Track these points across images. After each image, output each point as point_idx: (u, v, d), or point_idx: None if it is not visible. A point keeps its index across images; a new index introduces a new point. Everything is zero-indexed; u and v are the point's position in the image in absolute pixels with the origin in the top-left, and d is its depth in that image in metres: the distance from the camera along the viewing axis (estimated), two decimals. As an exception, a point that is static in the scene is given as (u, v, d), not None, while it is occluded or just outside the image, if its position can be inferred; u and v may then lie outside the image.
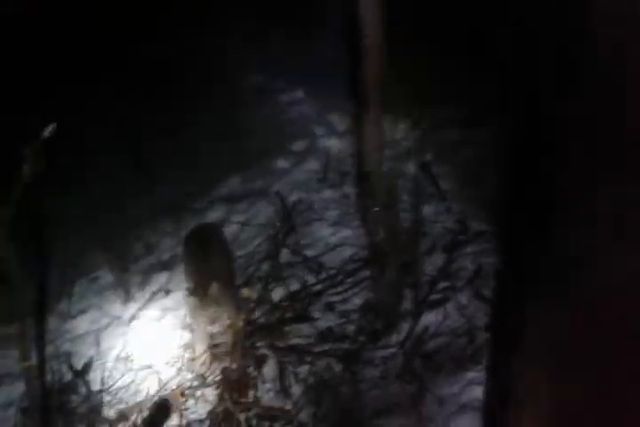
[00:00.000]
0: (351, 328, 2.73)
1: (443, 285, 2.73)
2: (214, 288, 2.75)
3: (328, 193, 3.75)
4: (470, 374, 2.32)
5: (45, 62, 4.76)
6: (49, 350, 3.22)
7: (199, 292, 2.81)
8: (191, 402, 2.66)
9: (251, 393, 2.60)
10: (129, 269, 3.60)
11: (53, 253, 3.51)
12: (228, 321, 2.82)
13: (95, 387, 2.97)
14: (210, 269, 2.86)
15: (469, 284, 2.71)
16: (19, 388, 3.01)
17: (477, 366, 2.36)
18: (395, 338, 2.59)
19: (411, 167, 3.58)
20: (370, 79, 2.50)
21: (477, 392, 2.22)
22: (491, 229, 3.00)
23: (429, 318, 2.60)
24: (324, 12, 4.82)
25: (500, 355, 2.36)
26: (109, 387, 2.94)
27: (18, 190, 2.34)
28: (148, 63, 5.05)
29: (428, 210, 3.17)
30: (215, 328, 2.91)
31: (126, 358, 3.07)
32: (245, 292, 3.03)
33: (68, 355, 3.17)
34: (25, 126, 2.33)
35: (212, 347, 2.92)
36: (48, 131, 2.26)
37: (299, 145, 4.30)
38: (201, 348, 2.90)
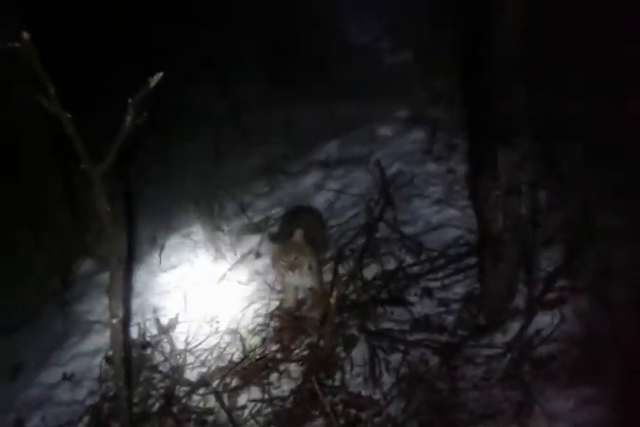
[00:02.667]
0: (450, 319, 2.52)
1: (561, 283, 2.45)
2: (298, 234, 2.60)
3: (432, 167, 3.50)
4: (587, 390, 2.07)
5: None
6: (137, 302, 3.23)
7: (282, 237, 2.71)
8: (274, 376, 2.56)
9: (338, 376, 2.46)
10: (221, 228, 3.53)
11: (149, 207, 3.49)
12: (308, 279, 2.70)
13: (179, 345, 2.93)
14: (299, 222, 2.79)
15: (592, 285, 2.41)
16: (107, 337, 3.02)
17: (595, 380, 2.10)
18: (500, 337, 2.35)
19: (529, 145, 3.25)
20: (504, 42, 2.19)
21: (594, 412, 1.98)
22: (619, 223, 2.66)
23: (543, 320, 2.35)
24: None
25: (620, 370, 2.12)
26: (193, 347, 2.89)
27: (119, 142, 2.23)
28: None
29: (547, 196, 2.85)
30: (302, 290, 2.79)
31: (212, 320, 3.01)
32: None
33: (155, 310, 3.15)
34: (129, 77, 2.22)
35: (300, 319, 2.80)
36: (153, 81, 2.11)
37: (403, 112, 4.03)
38: (290, 306, 2.79)
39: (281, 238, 2.76)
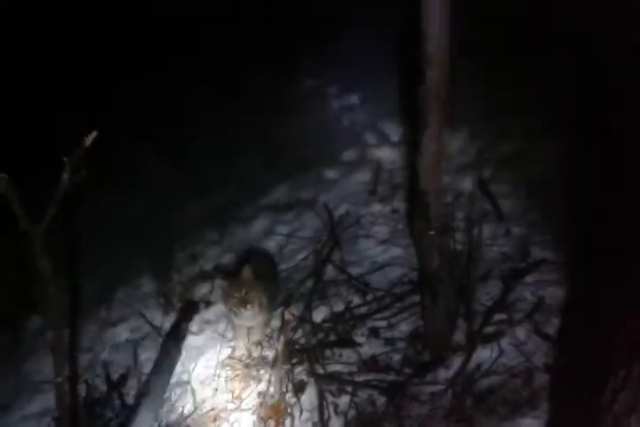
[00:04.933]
0: (397, 358, 2.55)
1: (498, 317, 2.52)
2: (247, 269, 2.63)
3: (377, 207, 3.58)
4: (527, 421, 2.11)
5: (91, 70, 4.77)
6: (86, 358, 3.18)
7: (233, 273, 2.73)
8: (225, 426, 2.54)
9: (288, 422, 2.45)
10: (172, 279, 3.53)
11: (95, 260, 3.48)
12: (260, 317, 2.74)
13: (129, 401, 2.89)
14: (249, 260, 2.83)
15: (528, 317, 2.49)
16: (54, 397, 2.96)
17: (534, 411, 2.15)
18: (444, 373, 2.40)
19: (467, 184, 3.38)
20: (431, 92, 2.31)
21: (535, 443, 2.03)
22: (554, 257, 2.77)
23: (483, 354, 2.40)
24: (384, 16, 4.64)
25: (560, 400, 2.17)
26: (144, 401, 2.85)
27: (56, 200, 2.26)
28: (190, 67, 5.00)
29: (484, 233, 2.95)
30: (254, 332, 2.80)
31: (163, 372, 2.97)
32: (287, 314, 2.90)
33: (106, 365, 3.11)
34: (65, 135, 2.26)
35: (252, 366, 2.80)
36: (89, 140, 2.16)
37: (349, 154, 4.14)
38: (242, 353, 2.81)
39: (231, 275, 2.78)
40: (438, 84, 2.29)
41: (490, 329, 2.49)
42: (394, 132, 4.18)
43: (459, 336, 2.50)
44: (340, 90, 4.76)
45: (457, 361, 2.42)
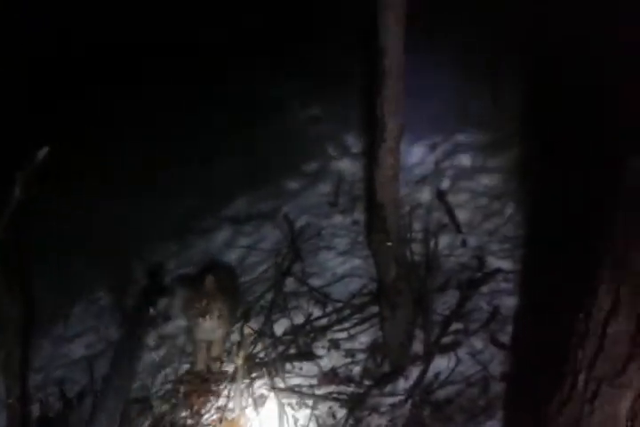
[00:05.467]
0: (357, 370, 2.56)
1: (455, 326, 2.56)
2: (209, 280, 2.63)
3: (338, 219, 3.60)
4: (483, 430, 2.14)
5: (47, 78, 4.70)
6: (39, 376, 3.10)
7: (194, 284, 2.71)
8: (183, 443, 2.50)
9: (247, 437, 2.43)
10: (129, 292, 3.47)
11: (49, 275, 3.40)
12: (220, 331, 2.72)
13: (86, 417, 2.82)
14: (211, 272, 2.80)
15: (484, 327, 2.53)
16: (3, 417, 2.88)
17: (491, 419, 2.18)
18: (402, 384, 2.41)
19: (425, 195, 3.43)
20: (388, 104, 2.34)
21: (491, 452, 2.05)
22: (509, 266, 2.83)
23: (440, 364, 2.43)
24: (341, 29, 4.70)
25: (515, 408, 2.20)
26: (100, 419, 2.78)
27: (7, 215, 2.22)
28: (162, 75, 4.97)
29: (441, 243, 3.00)
30: (214, 346, 2.77)
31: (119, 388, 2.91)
32: (246, 328, 2.89)
33: (60, 382, 3.03)
34: (18, 150, 2.22)
35: (210, 381, 2.77)
36: (41, 155, 2.14)
37: (311, 166, 4.16)
38: (201, 368, 2.77)
39: (192, 285, 2.76)
40: (394, 97, 2.33)
41: (447, 339, 2.52)
42: (354, 144, 4.21)
43: (417, 346, 2.52)
44: (303, 101, 4.79)
45: (415, 371, 2.44)
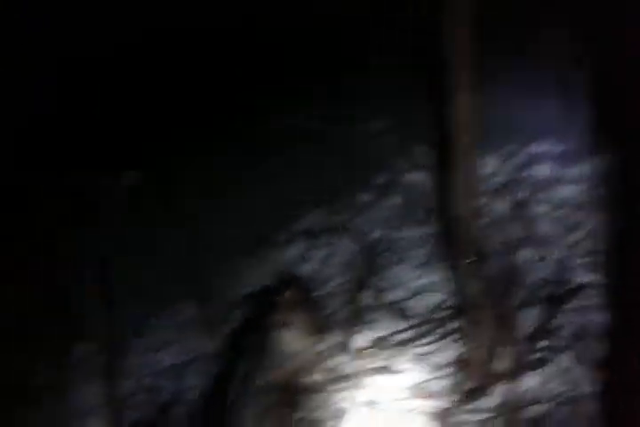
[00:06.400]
0: (441, 385, 2.54)
1: (542, 344, 2.50)
2: (289, 294, 2.77)
3: (411, 231, 3.58)
4: (576, 450, 2.09)
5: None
6: (131, 384, 3.22)
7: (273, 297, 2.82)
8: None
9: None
10: (212, 303, 3.57)
11: (137, 287, 3.54)
12: (300, 342, 2.77)
13: (176, 426, 2.92)
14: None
15: (572, 344, 2.46)
16: (103, 421, 3.01)
17: (583, 440, 2.12)
18: (488, 401, 2.37)
19: (502, 207, 3.37)
20: (463, 117, 2.33)
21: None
22: (595, 280, 2.74)
23: (528, 381, 2.37)
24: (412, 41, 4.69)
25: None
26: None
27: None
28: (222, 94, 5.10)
29: (522, 257, 2.94)
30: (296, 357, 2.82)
31: (210, 397, 3.00)
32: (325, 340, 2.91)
33: (151, 390, 3.14)
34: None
35: (292, 391, 2.81)
36: (131, 179, 2.25)
37: (382, 178, 4.17)
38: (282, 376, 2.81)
39: (273, 299, 2.81)
40: (469, 109, 2.32)
41: (533, 356, 2.47)
42: (424, 155, 4.19)
43: (501, 364, 2.47)
44: (369, 114, 4.80)
45: (502, 389, 2.39)
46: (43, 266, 3.56)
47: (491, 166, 3.75)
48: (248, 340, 3.23)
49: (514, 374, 2.40)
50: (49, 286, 3.57)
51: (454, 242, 2.42)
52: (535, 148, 3.73)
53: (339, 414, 2.61)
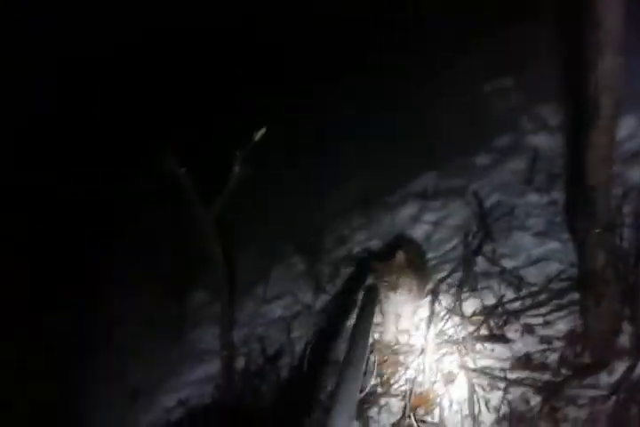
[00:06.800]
0: (553, 358, 2.47)
1: (671, 322, 2.34)
2: (400, 255, 2.68)
3: (533, 198, 3.43)
4: (702, 438, 1.96)
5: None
6: (243, 332, 3.42)
7: (385, 258, 2.76)
8: (374, 411, 2.61)
9: (437, 412, 2.48)
10: (321, 260, 3.67)
11: (251, 241, 3.71)
12: (409, 304, 2.76)
13: (284, 375, 3.07)
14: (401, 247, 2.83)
15: None
16: (216, 365, 3.24)
17: None
18: (606, 378, 2.28)
19: (637, 175, 3.13)
20: (603, 80, 2.16)
21: None
22: None
23: (651, 361, 2.24)
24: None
25: None
26: (297, 377, 3.02)
27: (228, 192, 2.45)
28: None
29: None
30: (403, 319, 2.83)
31: (314, 350, 3.12)
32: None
33: (262, 339, 3.33)
34: (237, 130, 2.42)
35: (400, 352, 2.85)
36: (258, 135, 2.31)
37: (502, 140, 4.00)
38: (390, 339, 2.84)
39: (384, 259, 2.83)
40: (611, 72, 2.14)
41: (660, 335, 2.32)
42: (551, 116, 3.95)
43: (623, 340, 2.35)
44: (494, 71, 4.58)
45: (621, 366, 2.28)
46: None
47: (627, 130, 3.48)
48: (356, 299, 3.30)
49: (636, 352, 2.27)
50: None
51: (582, 211, 2.28)
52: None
53: (448, 378, 2.61)
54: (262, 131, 2.25)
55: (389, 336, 2.91)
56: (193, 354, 3.50)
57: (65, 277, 3.91)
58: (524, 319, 2.69)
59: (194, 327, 3.72)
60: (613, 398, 2.21)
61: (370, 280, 3.11)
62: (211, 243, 2.67)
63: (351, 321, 3.16)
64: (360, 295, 2.99)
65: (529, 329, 2.64)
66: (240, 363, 3.21)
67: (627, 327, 2.38)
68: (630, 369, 2.25)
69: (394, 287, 2.71)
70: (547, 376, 2.41)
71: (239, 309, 3.58)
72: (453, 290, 3.02)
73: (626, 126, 3.45)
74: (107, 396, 3.40)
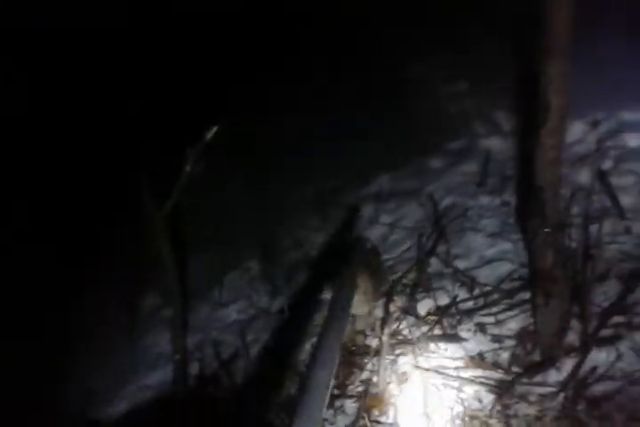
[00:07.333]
0: (505, 356, 2.50)
1: (616, 319, 2.40)
2: (357, 257, 2.72)
3: (486, 199, 3.48)
4: (646, 431, 2.01)
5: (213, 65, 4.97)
6: (198, 337, 3.36)
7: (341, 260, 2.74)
8: (330, 412, 2.60)
9: (391, 413, 2.48)
10: (277, 263, 3.64)
11: (206, 244, 3.65)
12: (365, 305, 2.76)
13: (238, 380, 3.03)
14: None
15: (650, 321, 2.35)
16: (170, 370, 3.17)
17: (655, 421, 2.04)
18: (555, 375, 2.32)
19: (585, 177, 3.21)
20: (553, 83, 2.21)
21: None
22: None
23: (598, 357, 2.30)
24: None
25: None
26: (251, 381, 2.98)
27: (178, 190, 2.41)
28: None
29: (603, 229, 2.80)
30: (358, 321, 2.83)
31: (270, 354, 3.09)
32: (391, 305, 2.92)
33: (217, 344, 3.27)
34: (188, 128, 2.38)
35: (354, 353, 2.85)
36: (210, 133, 2.28)
37: (456, 144, 4.05)
38: (346, 337, 2.81)
39: (340, 261, 2.81)
40: (560, 75, 2.19)
41: (606, 332, 2.38)
42: (504, 121, 4.03)
43: (572, 337, 2.40)
44: (448, 76, 4.65)
45: (570, 363, 2.33)
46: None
47: (576, 134, 3.57)
48: (312, 300, 3.29)
49: (584, 349, 2.33)
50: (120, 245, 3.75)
51: (532, 211, 2.32)
52: (625, 115, 3.51)
53: (402, 378, 2.62)
54: (213, 130, 2.22)
55: (346, 338, 2.90)
56: (147, 359, 3.42)
57: (18, 282, 3.79)
58: (477, 319, 2.73)
59: (147, 332, 3.64)
60: (562, 394, 2.25)
61: (323, 282, 3.11)
62: (161, 244, 2.62)
63: (312, 322, 3.16)
64: (325, 295, 2.98)
65: (481, 328, 2.68)
66: (194, 368, 3.15)
67: (575, 325, 2.43)
68: (578, 366, 2.30)
69: (350, 288, 2.70)
70: (499, 375, 2.44)
71: (194, 313, 3.52)
72: (408, 291, 3.03)
73: (575, 131, 3.55)
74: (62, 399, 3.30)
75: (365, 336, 2.89)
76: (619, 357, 2.29)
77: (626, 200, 3.01)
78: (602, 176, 3.15)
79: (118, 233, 3.94)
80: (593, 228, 2.75)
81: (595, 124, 3.53)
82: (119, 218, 3.93)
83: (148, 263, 3.78)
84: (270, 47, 5.23)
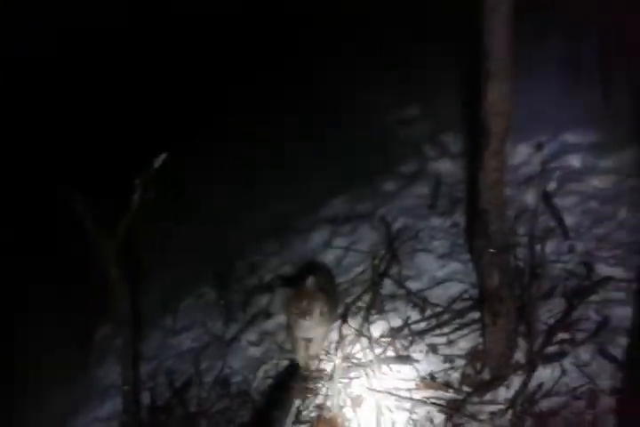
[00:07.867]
0: (455, 376, 2.53)
1: (561, 336, 2.46)
2: (310, 280, 2.68)
3: (437, 221, 3.56)
4: (591, 446, 2.05)
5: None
6: (150, 366, 3.30)
7: (294, 284, 2.77)
8: (283, 439, 2.57)
9: (344, 437, 2.47)
10: (232, 289, 3.62)
11: (159, 271, 3.61)
12: (319, 329, 2.74)
13: (191, 409, 2.98)
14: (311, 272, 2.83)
15: (592, 337, 2.41)
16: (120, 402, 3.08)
17: (599, 435, 2.09)
18: (503, 392, 2.36)
19: (530, 198, 3.31)
20: (493, 107, 2.29)
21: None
22: (621, 274, 2.68)
23: (544, 374, 2.35)
24: (444, 27, 4.61)
25: (625, 423, 2.09)
26: (205, 411, 2.93)
27: (128, 218, 2.39)
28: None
29: (547, 248, 2.88)
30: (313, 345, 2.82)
31: (224, 382, 3.05)
32: (345, 328, 2.92)
33: (170, 372, 3.22)
34: (136, 156, 2.38)
35: (308, 379, 2.83)
36: (158, 161, 2.28)
37: (407, 167, 4.14)
38: (301, 362, 2.82)
39: (293, 285, 2.82)
40: (500, 99, 2.27)
41: (552, 349, 2.43)
42: (453, 144, 4.14)
43: (519, 355, 2.45)
44: (398, 102, 4.76)
45: (517, 380, 2.37)
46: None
47: (520, 156, 3.69)
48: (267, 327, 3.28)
49: (531, 366, 2.37)
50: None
51: (479, 233, 2.38)
52: (567, 137, 3.65)
53: (356, 401, 2.61)
54: (162, 157, 2.22)
55: (300, 362, 2.89)
56: (98, 390, 3.33)
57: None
58: (429, 339, 2.76)
59: (99, 362, 3.55)
60: (510, 411, 2.28)
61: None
62: (111, 271, 2.58)
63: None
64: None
65: (433, 349, 2.70)
66: (146, 397, 3.08)
67: (522, 343, 2.48)
68: (525, 383, 2.34)
69: (304, 313, 2.69)
70: (450, 394, 2.46)
71: (146, 341, 3.46)
72: (362, 313, 3.04)
73: (520, 153, 3.68)
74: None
75: (319, 361, 2.88)
76: (563, 372, 2.35)
77: (570, 220, 3.11)
78: (546, 197, 3.25)
79: (64, 261, 3.85)
80: (538, 247, 2.82)
81: (539, 147, 3.65)
82: (65, 245, 3.86)
83: (101, 291, 3.71)
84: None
